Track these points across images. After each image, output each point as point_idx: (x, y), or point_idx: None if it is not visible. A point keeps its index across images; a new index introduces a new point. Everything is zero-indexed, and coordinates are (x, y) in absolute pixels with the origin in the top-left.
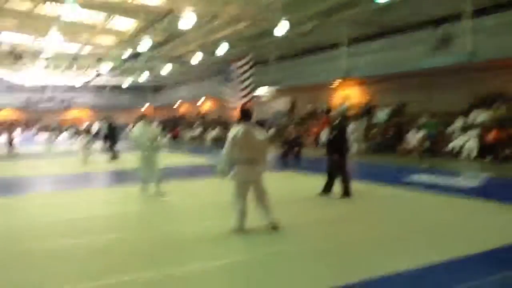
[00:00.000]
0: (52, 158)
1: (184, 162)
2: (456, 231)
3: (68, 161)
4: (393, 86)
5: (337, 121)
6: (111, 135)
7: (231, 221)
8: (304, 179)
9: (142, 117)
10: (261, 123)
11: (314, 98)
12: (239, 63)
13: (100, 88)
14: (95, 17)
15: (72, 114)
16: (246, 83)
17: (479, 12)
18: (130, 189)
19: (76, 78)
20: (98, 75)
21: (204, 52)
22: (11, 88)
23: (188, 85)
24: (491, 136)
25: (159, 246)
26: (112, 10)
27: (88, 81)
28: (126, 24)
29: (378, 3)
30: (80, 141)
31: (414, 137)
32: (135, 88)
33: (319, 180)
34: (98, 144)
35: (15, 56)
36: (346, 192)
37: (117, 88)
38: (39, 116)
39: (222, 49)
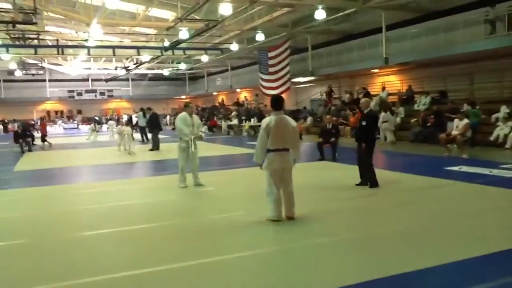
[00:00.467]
0: (94, 148)
1: (220, 152)
2: (495, 224)
3: (109, 151)
4: (434, 73)
5: (367, 110)
6: (153, 125)
7: (266, 211)
8: (340, 169)
9: (186, 106)
10: (296, 112)
11: (351, 86)
12: (276, 52)
13: (139, 79)
14: (135, 7)
15: (113, 104)
16: (283, 71)
17: None
18: (168, 179)
19: (116, 69)
20: (137, 65)
21: (241, 40)
22: (55, 79)
23: (225, 74)
24: None
25: (194, 235)
26: (150, 1)
27: (128, 72)
28: (165, 14)
29: None
30: (120, 132)
31: (459, 124)
32: (173, 78)
33: (355, 171)
34: (138, 135)
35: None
36: (374, 181)
37: (155, 78)
38: (81, 107)
39: (259, 37)
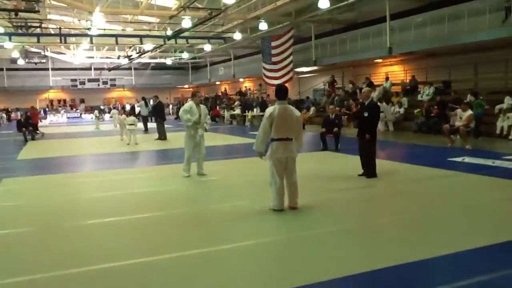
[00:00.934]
0: (98, 137)
1: (223, 142)
2: (498, 215)
3: (113, 141)
4: (438, 63)
5: (368, 100)
6: (158, 114)
7: (269, 200)
8: (343, 159)
9: (193, 95)
10: (299, 102)
11: (355, 76)
12: (279, 41)
13: (142, 68)
14: None
15: (116, 93)
16: (286, 61)
17: None
18: (172, 168)
19: (119, 57)
20: (140, 54)
21: (244, 29)
22: (58, 68)
23: (228, 64)
24: None
25: (197, 225)
26: None
27: (131, 61)
28: (168, 2)
29: None
30: (123, 121)
31: (462, 115)
32: (176, 68)
33: (358, 161)
34: (141, 124)
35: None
36: (374, 172)
37: (158, 67)
38: (84, 96)
39: (262, 26)
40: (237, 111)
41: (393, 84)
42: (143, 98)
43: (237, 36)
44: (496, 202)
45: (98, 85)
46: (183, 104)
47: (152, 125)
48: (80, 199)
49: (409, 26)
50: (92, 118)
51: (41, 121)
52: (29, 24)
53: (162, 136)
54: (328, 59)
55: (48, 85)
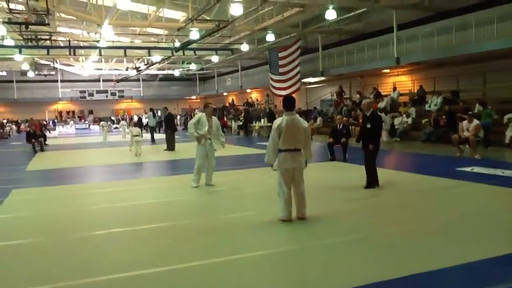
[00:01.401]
0: (106, 148)
1: (230, 152)
2: (508, 225)
3: (121, 151)
4: (446, 73)
5: (369, 112)
6: (168, 125)
7: (277, 211)
8: (351, 169)
9: (205, 107)
10: (307, 113)
11: (362, 86)
12: (287, 52)
13: (150, 79)
14: (146, 8)
15: (124, 105)
16: (294, 72)
17: None
18: (181, 179)
19: (127, 69)
20: (148, 66)
21: (252, 40)
22: (67, 80)
23: (236, 75)
24: None
25: (206, 235)
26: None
27: (139, 72)
28: (176, 14)
29: None
30: (131, 132)
31: (468, 127)
32: (184, 79)
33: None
34: (148, 135)
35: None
36: (370, 183)
37: (166, 79)
38: (92, 107)
39: (269, 37)
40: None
41: (400, 94)
42: (151, 109)
43: (245, 47)
44: (506, 212)
45: (107, 96)
46: (190, 115)
47: (158, 136)
48: (88, 209)
49: (417, 36)
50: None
51: (50, 132)
52: (39, 36)
53: (170, 147)
54: (336, 70)
55: (57, 97)
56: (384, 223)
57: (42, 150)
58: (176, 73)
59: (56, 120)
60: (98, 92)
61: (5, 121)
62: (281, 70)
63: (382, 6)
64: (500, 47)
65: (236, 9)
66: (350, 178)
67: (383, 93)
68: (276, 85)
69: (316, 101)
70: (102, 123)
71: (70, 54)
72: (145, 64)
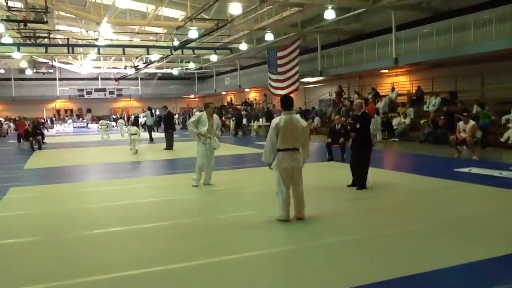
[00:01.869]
0: (105, 147)
1: (229, 151)
2: (505, 226)
3: (120, 150)
4: (444, 74)
5: (360, 112)
6: (167, 124)
7: (276, 211)
8: (349, 170)
9: (206, 106)
10: (305, 112)
11: (361, 86)
12: (285, 51)
13: (149, 78)
14: (145, 6)
15: (122, 103)
16: (292, 71)
17: None
18: (179, 178)
19: (126, 67)
20: (147, 64)
21: (250, 40)
22: (65, 78)
23: (234, 74)
24: None
25: (204, 234)
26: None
27: (137, 71)
28: (175, 13)
29: None
30: (129, 131)
31: (465, 128)
32: (182, 78)
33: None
34: (146, 134)
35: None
36: (363, 185)
37: (164, 77)
38: (91, 105)
39: (268, 37)
40: (243, 121)
41: (399, 95)
42: (149, 108)
43: (243, 46)
44: (504, 213)
45: (105, 95)
46: (189, 114)
47: (156, 134)
48: (86, 208)
49: (415, 36)
50: (98, 127)
51: (47, 131)
52: (37, 34)
53: (169, 146)
54: (334, 70)
55: (55, 95)
56: (382, 224)
57: (40, 148)
58: (175, 72)
59: (54, 119)
60: (96, 90)
61: (2, 119)
62: (279, 69)
63: (381, 6)
64: (499, 48)
65: (235, 8)
66: (348, 179)
67: (381, 94)
68: (275, 84)
69: (315, 101)
70: (101, 121)
71: (68, 52)
72: (144, 63)
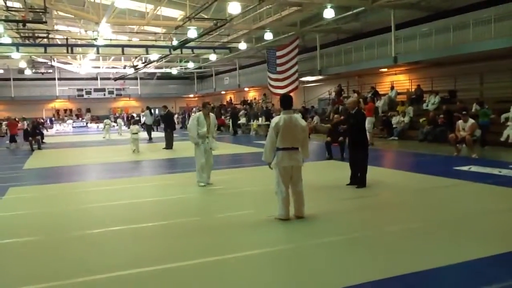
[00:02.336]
0: (104, 146)
1: (228, 150)
2: (505, 224)
3: (120, 150)
4: (443, 72)
5: (354, 111)
6: (167, 124)
7: (275, 209)
8: (348, 168)
9: (203, 106)
10: (305, 111)
11: (360, 85)
12: (285, 51)
13: (148, 78)
14: (144, 6)
15: (122, 103)
16: (291, 70)
17: None
18: (179, 177)
19: (125, 67)
20: (146, 64)
21: (249, 39)
22: (64, 78)
23: (234, 73)
24: None
25: (204, 234)
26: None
27: (137, 71)
28: (174, 13)
29: None
30: (131, 130)
31: (464, 126)
32: (181, 77)
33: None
34: (144, 133)
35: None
36: (363, 183)
37: (164, 77)
38: (90, 105)
39: (267, 36)
40: (242, 120)
41: (398, 93)
42: (148, 108)
43: (242, 46)
44: (503, 211)
45: (104, 94)
46: (188, 113)
47: (155, 134)
48: (86, 208)
49: (415, 35)
50: (98, 127)
51: (47, 131)
52: (36, 34)
53: (169, 145)
54: (333, 69)
55: (54, 95)
56: (381, 222)
57: (39, 148)
58: (174, 71)
59: (53, 118)
60: (95, 90)
61: None
62: (279, 69)
63: (380, 5)
64: (498, 47)
65: (234, 8)
66: (347, 177)
67: (381, 92)
68: (274, 83)
69: (314, 100)
70: (106, 121)
71: (67, 52)
72: (143, 63)
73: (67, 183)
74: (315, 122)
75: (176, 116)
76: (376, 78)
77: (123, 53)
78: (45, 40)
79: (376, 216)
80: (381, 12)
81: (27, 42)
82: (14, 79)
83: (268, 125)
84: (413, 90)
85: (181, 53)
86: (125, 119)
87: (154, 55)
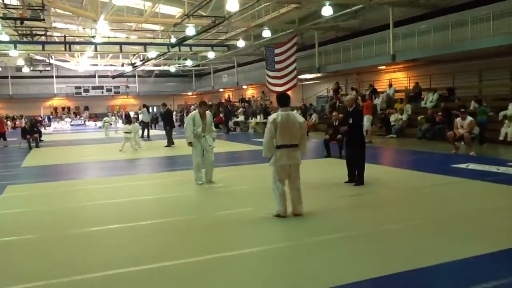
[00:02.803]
0: (103, 144)
1: (226, 148)
2: (503, 221)
3: (118, 147)
4: (441, 70)
5: (352, 108)
6: (166, 121)
7: (274, 207)
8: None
9: (201, 104)
10: (303, 109)
11: (359, 83)
12: (283, 48)
13: (146, 75)
14: (142, 3)
15: (120, 101)
16: (290, 68)
17: None
18: (178, 175)
19: (123, 65)
20: (144, 62)
21: (248, 37)
22: (62, 76)
23: (232, 71)
24: None
25: (202, 231)
26: None
27: (135, 68)
28: (172, 10)
29: None
30: (127, 128)
31: (463, 124)
32: (180, 75)
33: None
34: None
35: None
36: (361, 180)
37: (162, 75)
38: (88, 103)
39: (266, 34)
40: (241, 118)
41: (396, 91)
42: (145, 105)
43: (241, 43)
44: (501, 208)
45: (102, 92)
46: (187, 111)
47: (153, 132)
48: (84, 206)
49: (413, 33)
50: (96, 125)
51: (45, 129)
52: (34, 32)
53: (170, 143)
54: (332, 66)
55: (52, 93)
56: (380, 220)
57: (37, 146)
58: (172, 69)
59: (51, 116)
60: (93, 88)
61: None
62: (277, 66)
63: (378, 3)
64: (496, 44)
65: (232, 5)
66: (346, 175)
67: (379, 90)
68: (273, 81)
69: (312, 98)
70: (105, 118)
71: (65, 50)
72: (141, 60)
73: (65, 181)
74: (313, 120)
75: (174, 114)
76: (375, 75)
77: (121, 51)
78: (43, 37)
79: (375, 213)
80: (380, 10)
81: (25, 39)
82: (12, 77)
83: (266, 123)
84: (411, 87)
85: (179, 50)
86: (123, 117)
87: (152, 53)
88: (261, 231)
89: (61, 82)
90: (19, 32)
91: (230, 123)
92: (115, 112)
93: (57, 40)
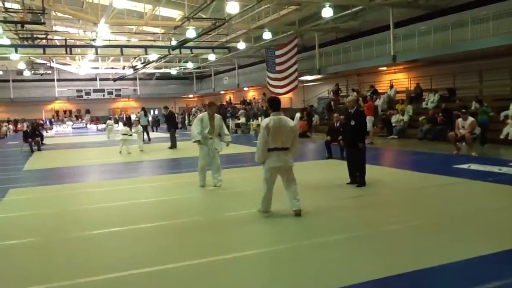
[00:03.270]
0: (105, 147)
1: (228, 150)
2: (505, 222)
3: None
4: (442, 71)
5: (353, 109)
6: (170, 124)
7: (275, 209)
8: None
9: (209, 106)
10: (308, 110)
11: (359, 84)
12: (283, 50)
13: (147, 78)
14: (142, 6)
15: (121, 104)
16: (291, 70)
17: None
18: (180, 177)
19: (124, 68)
20: (145, 64)
21: (248, 39)
22: (63, 79)
23: (233, 73)
24: None
25: (202, 234)
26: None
27: (136, 71)
28: (173, 13)
29: None
30: (126, 130)
31: (464, 124)
32: (180, 78)
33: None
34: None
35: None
36: (363, 181)
37: (163, 77)
38: (89, 106)
39: (266, 36)
40: (242, 119)
41: (397, 92)
42: (143, 109)
43: (241, 45)
44: (504, 209)
45: (103, 95)
46: (188, 114)
47: (154, 134)
48: (86, 209)
49: (413, 34)
50: (97, 128)
51: (46, 132)
52: (35, 35)
53: (173, 145)
54: (332, 68)
55: (53, 96)
56: (382, 220)
57: (39, 149)
58: (173, 71)
59: (53, 120)
60: (95, 91)
61: None
62: (278, 68)
63: (378, 4)
64: (496, 44)
65: (232, 7)
66: (347, 176)
67: (380, 91)
68: (273, 83)
69: (314, 99)
70: (108, 121)
71: (66, 53)
72: (142, 63)
73: (67, 184)
74: (314, 121)
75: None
76: (375, 76)
77: (122, 54)
78: (44, 41)
79: (377, 214)
80: (380, 11)
81: (25, 43)
82: (13, 81)
83: None
84: (412, 88)
85: (180, 53)
86: (124, 119)
87: (153, 56)
88: (263, 233)
89: (62, 85)
90: (20, 35)
91: (232, 124)
92: (116, 115)
93: (58, 44)
